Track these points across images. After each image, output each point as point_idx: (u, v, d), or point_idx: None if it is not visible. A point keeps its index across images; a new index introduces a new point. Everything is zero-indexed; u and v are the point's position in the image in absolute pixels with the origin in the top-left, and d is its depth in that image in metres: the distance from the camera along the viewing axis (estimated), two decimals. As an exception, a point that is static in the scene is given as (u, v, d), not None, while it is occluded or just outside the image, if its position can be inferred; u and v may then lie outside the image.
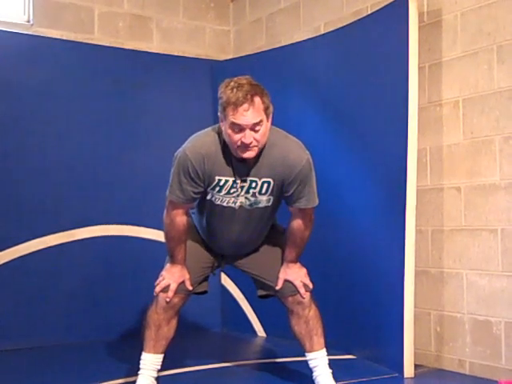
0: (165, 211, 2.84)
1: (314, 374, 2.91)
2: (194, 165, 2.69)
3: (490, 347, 3.30)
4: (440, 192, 3.58)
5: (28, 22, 4.40)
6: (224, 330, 4.59)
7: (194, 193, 2.75)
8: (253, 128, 2.61)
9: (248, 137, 2.61)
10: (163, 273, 2.88)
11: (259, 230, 2.91)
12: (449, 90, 3.54)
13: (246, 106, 2.58)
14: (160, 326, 2.84)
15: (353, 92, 3.78)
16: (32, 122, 4.18)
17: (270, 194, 2.79)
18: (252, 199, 2.79)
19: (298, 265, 2.93)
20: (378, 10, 3.69)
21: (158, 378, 2.88)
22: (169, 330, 2.87)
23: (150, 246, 4.45)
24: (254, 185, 2.76)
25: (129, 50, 4.61)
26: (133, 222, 4.44)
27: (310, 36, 4.27)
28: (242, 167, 2.73)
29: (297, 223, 2.86)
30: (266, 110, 2.65)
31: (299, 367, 3.40)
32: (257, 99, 2.61)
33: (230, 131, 2.62)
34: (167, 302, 2.83)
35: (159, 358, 2.86)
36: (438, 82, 3.59)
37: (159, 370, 2.89)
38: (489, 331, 3.31)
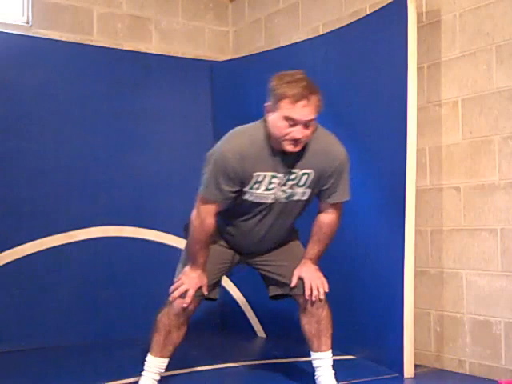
0: (194, 212, 2.79)
1: (317, 373, 2.90)
2: (232, 164, 2.66)
3: (490, 347, 3.30)
4: (439, 192, 3.58)
5: (27, 23, 4.40)
6: (224, 330, 4.59)
7: (232, 192, 2.72)
8: (305, 124, 2.62)
9: (299, 132, 2.62)
10: (182, 277, 2.82)
11: (287, 226, 2.88)
12: (448, 90, 3.54)
13: (304, 102, 2.59)
14: (170, 332, 2.83)
15: (352, 92, 3.79)
16: (31, 123, 4.18)
17: (308, 187, 2.77)
18: (289, 191, 2.77)
19: (316, 267, 2.88)
20: (376, 11, 3.69)
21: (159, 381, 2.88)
22: (178, 336, 2.86)
23: (150, 247, 4.45)
24: (293, 176, 2.74)
25: (128, 51, 4.61)
26: (132, 223, 4.43)
27: (309, 36, 4.27)
28: (283, 159, 2.71)
29: (328, 218, 2.85)
30: (318, 107, 2.66)
31: (299, 368, 3.40)
32: (314, 97, 2.62)
33: (281, 123, 2.61)
34: (183, 309, 2.80)
35: (165, 362, 2.86)
36: (437, 82, 3.59)
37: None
38: (489, 331, 3.32)
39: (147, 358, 2.85)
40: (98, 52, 4.45)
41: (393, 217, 3.43)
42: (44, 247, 4.13)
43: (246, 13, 5.06)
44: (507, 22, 3.26)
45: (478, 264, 3.38)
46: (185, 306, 2.79)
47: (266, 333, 4.49)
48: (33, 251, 4.10)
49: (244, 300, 4.53)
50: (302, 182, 2.76)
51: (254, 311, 4.49)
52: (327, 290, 2.84)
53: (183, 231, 3.03)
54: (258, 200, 2.75)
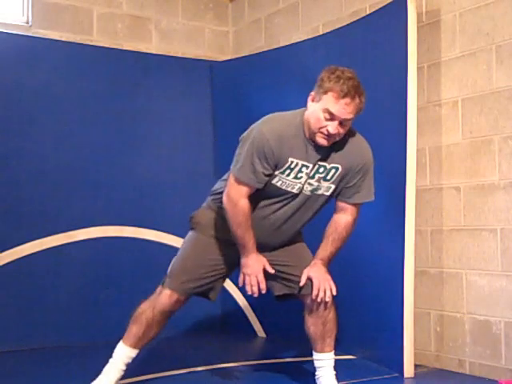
0: (225, 196, 2.74)
1: (318, 373, 2.90)
2: (271, 145, 2.65)
3: (490, 347, 3.31)
4: (439, 192, 3.58)
5: (27, 23, 4.40)
6: (224, 330, 4.59)
7: (265, 175, 2.69)
8: (342, 121, 2.63)
9: (335, 128, 2.62)
10: (245, 271, 2.77)
11: (304, 221, 2.86)
12: (448, 90, 3.54)
13: (348, 100, 2.59)
14: (151, 327, 2.82)
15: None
16: (31, 124, 4.18)
17: (333, 182, 2.77)
18: (315, 184, 2.76)
19: (325, 269, 2.84)
20: (376, 11, 3.69)
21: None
22: (156, 332, 2.85)
23: (150, 247, 4.45)
24: (321, 170, 2.74)
25: (128, 51, 4.61)
26: (132, 223, 4.43)
27: (309, 36, 4.27)
28: (315, 151, 2.71)
29: (345, 219, 2.83)
30: (360, 110, 2.66)
31: (299, 368, 3.41)
32: (358, 99, 2.62)
33: (319, 115, 2.62)
34: (171, 307, 2.81)
35: (135, 352, 2.84)
36: (437, 82, 3.59)
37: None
38: (488, 331, 3.32)
39: (119, 345, 2.83)
40: (98, 52, 4.44)
41: (393, 217, 3.43)
42: (44, 247, 4.13)
43: (245, 13, 5.06)
44: (507, 21, 3.26)
45: (478, 264, 3.38)
46: (263, 292, 2.75)
47: (266, 333, 4.49)
48: (33, 251, 4.09)
49: (244, 300, 4.53)
50: (329, 177, 2.76)
51: (255, 311, 4.49)
52: (335, 293, 2.80)
53: (189, 222, 2.98)
54: (284, 187, 2.74)
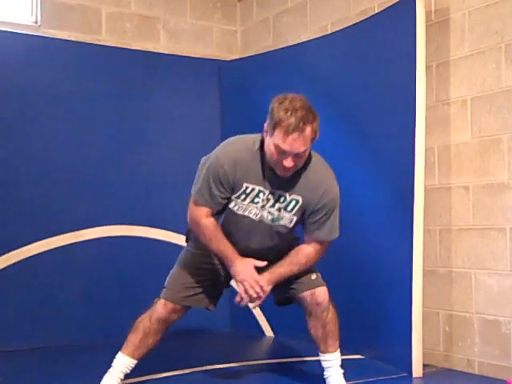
0: (188, 218, 2.81)
1: (326, 373, 2.91)
2: (225, 171, 2.67)
3: (499, 347, 3.29)
4: (448, 191, 3.57)
5: (35, 23, 4.42)
6: (232, 329, 4.59)
7: (222, 198, 2.73)
8: (296, 154, 2.61)
9: (289, 162, 2.61)
10: (238, 279, 2.74)
11: (279, 248, 2.85)
12: (456, 88, 3.53)
13: (296, 135, 2.55)
14: (147, 335, 2.84)
15: (360, 92, 3.78)
16: (38, 123, 4.19)
17: (295, 214, 2.76)
18: (276, 214, 2.76)
19: (265, 281, 2.77)
20: (385, 9, 3.68)
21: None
22: (153, 341, 2.86)
23: (156, 246, 4.45)
24: (282, 199, 2.74)
25: (136, 50, 4.62)
26: (140, 222, 4.44)
27: (317, 36, 4.26)
28: (274, 179, 2.70)
29: (307, 250, 2.81)
30: (313, 138, 2.63)
31: (308, 367, 3.40)
32: (308, 129, 2.57)
33: (273, 150, 2.61)
34: (167, 316, 2.84)
35: (133, 362, 2.85)
36: (446, 80, 3.58)
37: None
38: (498, 331, 3.30)
39: (117, 355, 2.85)
40: (107, 52, 4.45)
41: (401, 216, 3.42)
42: (51, 247, 4.14)
43: (254, 12, 5.05)
44: (516, 20, 3.25)
45: (487, 263, 3.36)
46: (264, 293, 2.74)
47: (274, 332, 4.49)
48: (39, 251, 4.10)
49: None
50: (289, 208, 2.75)
51: (262, 310, 4.49)
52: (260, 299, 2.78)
53: (186, 234, 3.03)
54: (241, 212, 2.76)
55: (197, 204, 2.77)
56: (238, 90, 4.64)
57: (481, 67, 3.41)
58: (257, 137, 2.76)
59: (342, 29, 3.99)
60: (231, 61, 4.88)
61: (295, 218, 2.78)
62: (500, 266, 3.30)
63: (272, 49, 4.67)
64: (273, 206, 2.75)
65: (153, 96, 4.56)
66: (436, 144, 3.62)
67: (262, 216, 2.76)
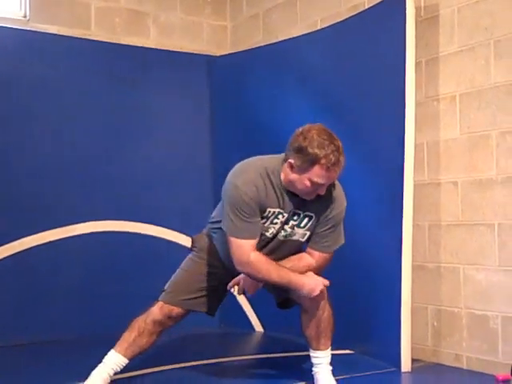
0: (237, 265, 2.71)
1: (314, 369, 2.92)
2: (250, 196, 2.64)
3: (487, 341, 3.31)
4: (437, 187, 3.58)
5: (24, 17, 4.39)
6: (221, 325, 4.58)
7: (258, 221, 2.69)
8: None
9: (324, 190, 2.67)
10: (307, 290, 2.72)
11: (285, 257, 2.85)
12: (446, 84, 3.54)
13: (336, 168, 2.61)
14: (141, 335, 2.84)
15: (350, 87, 3.78)
16: (29, 118, 4.17)
17: (308, 229, 2.78)
18: (289, 230, 2.77)
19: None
20: (374, 5, 3.69)
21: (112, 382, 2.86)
22: (147, 342, 2.86)
23: (148, 241, 4.45)
24: (295, 217, 2.75)
25: (125, 45, 4.60)
26: (131, 217, 4.43)
27: (307, 31, 4.26)
28: (291, 200, 2.72)
29: (310, 261, 2.80)
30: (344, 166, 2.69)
31: (296, 362, 3.41)
32: (343, 158, 2.63)
33: (307, 183, 2.62)
34: (164, 319, 2.85)
35: (124, 361, 2.85)
36: (435, 77, 3.59)
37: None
38: (486, 326, 3.32)
39: (109, 353, 2.85)
40: (96, 46, 4.43)
41: (391, 211, 3.44)
42: (43, 241, 4.13)
43: (244, 7, 5.04)
44: (506, 16, 3.26)
45: (476, 259, 3.38)
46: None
47: (263, 327, 4.50)
48: (31, 245, 4.09)
49: (242, 294, 4.52)
50: (302, 224, 2.78)
51: (252, 306, 4.50)
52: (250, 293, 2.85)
53: (191, 243, 3.04)
54: (262, 232, 2.75)
55: (239, 242, 2.67)
56: (228, 86, 4.64)
57: (470, 63, 3.42)
58: (270, 160, 2.75)
59: (332, 24, 3.99)
60: (221, 56, 4.88)
61: (308, 233, 2.80)
62: (488, 261, 3.32)
63: (262, 44, 4.66)
64: (287, 223, 2.76)
65: (143, 91, 4.55)
66: (425, 140, 3.63)
67: (276, 233, 2.77)
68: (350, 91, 3.77)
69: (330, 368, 2.91)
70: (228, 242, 2.71)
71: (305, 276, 2.74)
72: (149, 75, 4.58)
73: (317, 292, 2.72)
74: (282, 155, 2.74)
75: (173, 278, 2.97)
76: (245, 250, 2.67)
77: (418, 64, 3.54)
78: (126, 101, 4.49)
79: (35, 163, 4.16)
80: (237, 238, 2.67)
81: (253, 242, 2.69)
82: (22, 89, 4.16)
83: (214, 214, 2.97)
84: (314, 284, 2.72)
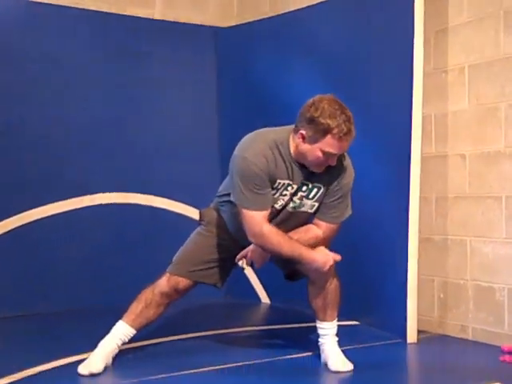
0: (250, 236, 2.71)
1: (320, 340, 2.94)
2: (259, 167, 2.64)
3: (493, 313, 3.33)
4: (444, 159, 3.57)
5: (29, -12, 4.36)
6: (228, 296, 4.61)
7: (270, 193, 2.69)
8: None
9: (335, 160, 2.67)
10: (318, 265, 2.72)
11: (293, 229, 2.85)
12: (454, 56, 3.51)
13: (348, 137, 2.61)
14: (148, 306, 2.86)
15: (357, 59, 3.75)
16: (35, 90, 4.16)
17: (316, 201, 2.78)
18: (298, 202, 2.77)
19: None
20: (383, -24, 3.64)
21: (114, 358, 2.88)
22: (154, 313, 2.89)
23: (155, 213, 4.47)
24: (304, 188, 2.75)
25: (131, 16, 4.56)
26: (137, 189, 4.44)
27: (314, 2, 4.21)
28: (300, 171, 2.72)
29: (317, 232, 2.80)
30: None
31: (303, 333, 3.43)
32: (354, 128, 2.63)
33: (318, 154, 2.62)
34: (172, 291, 2.87)
35: (132, 332, 2.87)
36: (444, 48, 3.56)
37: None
38: (492, 297, 3.33)
39: (117, 323, 2.88)
40: (102, 17, 4.40)
41: (397, 184, 3.43)
42: (50, 213, 4.15)
43: (250, -22, 4.99)
44: (516, -14, 3.22)
45: (483, 231, 3.38)
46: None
47: (269, 298, 4.52)
48: (39, 217, 4.11)
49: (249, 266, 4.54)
50: (311, 195, 2.77)
51: (258, 277, 4.52)
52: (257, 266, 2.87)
53: (199, 216, 3.03)
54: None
55: (251, 213, 2.67)
56: (234, 58, 4.61)
57: (479, 34, 3.39)
58: (279, 132, 2.74)
59: (340, -5, 3.94)
60: (227, 28, 4.84)
61: (317, 204, 2.80)
62: (495, 234, 3.32)
63: (269, 15, 4.61)
64: (295, 194, 2.76)
65: (148, 63, 4.52)
66: (433, 112, 3.61)
67: (284, 204, 2.77)
68: (358, 63, 3.74)
69: (337, 339, 2.93)
70: (240, 213, 2.71)
71: (316, 251, 2.74)
72: (154, 47, 4.55)
73: (327, 267, 2.73)
74: (291, 127, 2.74)
75: (181, 250, 2.98)
76: (257, 221, 2.68)
77: (426, 35, 3.49)
78: (132, 73, 4.47)
79: (41, 135, 4.16)
80: (248, 209, 2.68)
81: (265, 213, 2.69)
82: (25, 61, 4.13)
83: (221, 187, 2.97)
84: (325, 259, 2.72)
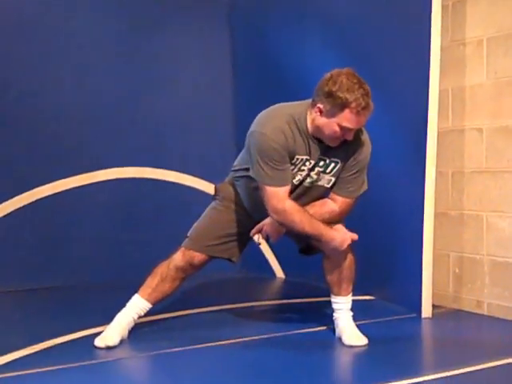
0: (272, 212, 2.70)
1: (335, 314, 2.95)
2: (278, 143, 2.62)
3: (509, 288, 3.31)
4: (461, 133, 3.53)
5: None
6: (242, 271, 4.63)
7: (288, 167, 2.68)
8: None
9: (351, 135, 2.65)
10: (335, 244, 2.72)
11: (308, 203, 2.84)
12: (473, 28, 3.46)
13: (366, 112, 2.59)
14: (164, 281, 2.87)
15: (373, 31, 3.70)
16: (48, 64, 4.17)
17: (333, 175, 2.77)
18: (315, 177, 2.77)
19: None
20: None
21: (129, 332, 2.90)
22: (170, 287, 2.90)
23: (169, 187, 4.48)
24: (321, 163, 2.74)
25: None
26: (151, 164, 4.45)
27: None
28: (318, 146, 2.71)
29: (333, 207, 2.79)
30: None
31: (318, 308, 3.44)
32: (371, 103, 2.61)
33: (335, 128, 2.60)
34: (188, 265, 2.87)
35: (148, 306, 2.89)
36: (462, 20, 3.50)
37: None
38: (508, 272, 3.32)
39: (133, 297, 2.89)
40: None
41: (414, 158, 3.40)
42: (64, 188, 4.17)
43: (265, -51, 4.91)
44: (537, -44, 3.16)
45: (499, 206, 3.35)
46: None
47: (284, 273, 4.54)
48: (53, 192, 4.13)
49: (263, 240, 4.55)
50: (328, 170, 2.76)
51: (273, 252, 4.53)
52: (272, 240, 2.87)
53: (214, 191, 3.03)
54: None
55: (273, 189, 2.66)
56: (250, 30, 4.57)
57: (498, 6, 3.32)
58: (300, 106, 2.72)
59: (357, -34, 3.88)
60: (242, -2, 4.79)
61: (334, 179, 2.79)
62: (512, 208, 3.30)
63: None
64: (313, 169, 2.75)
65: (162, 34, 4.49)
66: (450, 85, 3.57)
67: (302, 179, 2.76)
68: (374, 35, 3.69)
69: (351, 313, 2.94)
70: (261, 190, 2.71)
71: (335, 230, 2.74)
72: (169, 18, 4.52)
73: (344, 247, 2.73)
74: (307, 101, 2.72)
75: (196, 224, 2.98)
76: (280, 197, 2.67)
77: (444, 7, 3.44)
78: (146, 45, 4.45)
79: (55, 110, 4.18)
80: (270, 185, 2.67)
81: (286, 189, 2.69)
82: (40, 32, 4.14)
83: (236, 161, 2.96)
84: (343, 238, 2.72)
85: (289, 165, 2.69)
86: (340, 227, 2.76)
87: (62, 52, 4.20)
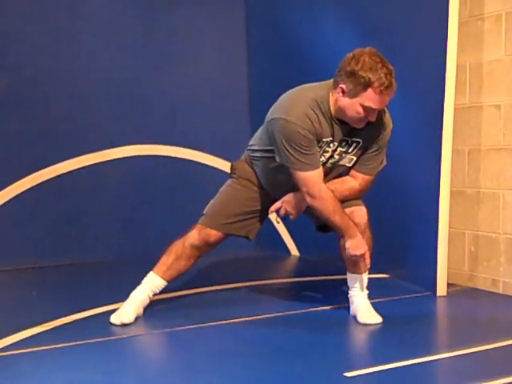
0: (307, 197, 2.70)
1: (350, 292, 2.95)
2: (306, 128, 2.62)
3: (525, 267, 3.30)
4: (479, 110, 3.49)
5: None
6: (257, 248, 4.63)
7: (317, 150, 2.69)
8: None
9: (375, 116, 2.63)
10: (353, 252, 2.76)
11: (328, 181, 2.83)
12: (491, 3, 3.40)
13: (389, 91, 2.57)
14: (179, 258, 2.88)
15: (390, 7, 3.65)
16: (62, 43, 4.16)
17: (355, 155, 2.77)
18: (337, 157, 2.77)
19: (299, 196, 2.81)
20: None
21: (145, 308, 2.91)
22: (185, 265, 2.90)
23: (183, 165, 4.47)
24: (344, 144, 2.74)
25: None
26: (165, 141, 4.44)
27: None
28: (340, 127, 2.70)
29: (353, 183, 2.81)
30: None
31: (333, 286, 3.44)
32: (395, 82, 2.59)
33: (359, 109, 2.59)
34: (203, 244, 2.87)
35: (163, 283, 2.90)
36: (480, -6, 3.45)
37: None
38: (524, 251, 3.30)
39: (149, 274, 2.90)
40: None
41: (430, 136, 3.37)
42: (78, 166, 4.18)
43: None
44: None
45: (516, 184, 3.33)
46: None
47: (299, 251, 4.54)
48: (68, 170, 4.14)
49: (278, 218, 4.55)
50: (350, 150, 2.76)
51: (288, 229, 4.52)
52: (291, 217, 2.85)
53: (230, 169, 3.02)
54: None
55: (306, 174, 2.66)
56: (266, 8, 4.53)
57: (518, -20, 3.27)
58: (322, 87, 2.70)
59: None
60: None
61: (355, 158, 2.79)
62: (529, 186, 3.27)
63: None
64: (336, 150, 2.75)
65: (177, 11, 4.46)
66: (468, 61, 3.52)
67: (326, 160, 2.76)
68: (390, 10, 3.64)
69: (367, 292, 2.94)
70: (294, 176, 2.70)
71: (358, 234, 2.74)
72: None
73: (356, 253, 2.75)
74: (327, 82, 2.70)
75: (212, 202, 2.97)
76: (315, 181, 2.68)
77: (462, -19, 3.39)
78: (161, 23, 4.43)
79: (70, 87, 4.17)
80: (302, 171, 2.67)
81: (319, 171, 2.69)
82: (52, 11, 4.11)
83: (252, 140, 2.93)
84: (361, 245, 2.74)
85: (317, 148, 2.68)
86: (361, 239, 2.76)
87: (77, 30, 4.19)
